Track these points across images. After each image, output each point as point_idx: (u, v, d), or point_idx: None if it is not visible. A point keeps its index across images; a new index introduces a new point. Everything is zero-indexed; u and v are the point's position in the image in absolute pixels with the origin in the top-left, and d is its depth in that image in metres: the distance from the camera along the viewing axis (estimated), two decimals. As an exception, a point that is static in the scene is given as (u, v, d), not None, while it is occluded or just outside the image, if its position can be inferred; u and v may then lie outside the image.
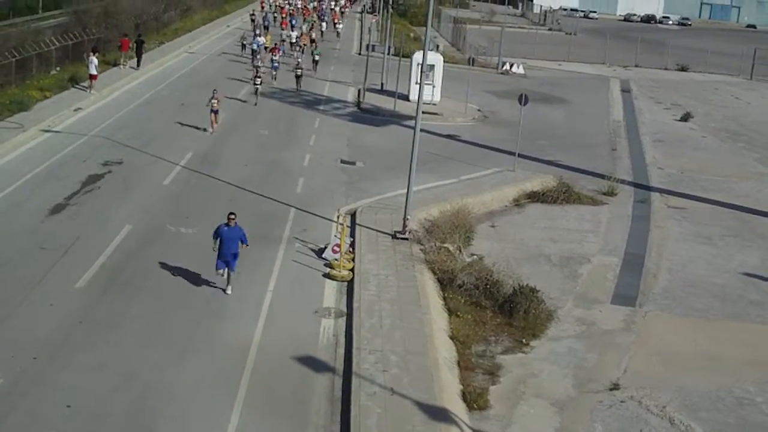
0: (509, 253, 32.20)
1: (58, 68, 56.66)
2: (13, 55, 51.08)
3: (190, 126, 46.29)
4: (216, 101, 45.34)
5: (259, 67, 60.11)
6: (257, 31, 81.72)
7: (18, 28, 63.65)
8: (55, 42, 58.04)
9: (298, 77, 61.34)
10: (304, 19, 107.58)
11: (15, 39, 56.12)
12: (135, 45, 64.28)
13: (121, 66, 63.06)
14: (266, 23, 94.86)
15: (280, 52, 69.38)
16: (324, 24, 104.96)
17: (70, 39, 60.30)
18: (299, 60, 64.14)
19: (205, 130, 45.83)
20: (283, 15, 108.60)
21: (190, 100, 52.85)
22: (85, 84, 52.97)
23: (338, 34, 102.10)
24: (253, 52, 69.52)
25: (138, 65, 63.66)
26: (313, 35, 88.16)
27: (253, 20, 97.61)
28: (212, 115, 45.28)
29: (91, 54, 53.86)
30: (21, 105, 45.79)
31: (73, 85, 53.37)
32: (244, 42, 77.63)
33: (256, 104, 54.22)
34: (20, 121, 43.48)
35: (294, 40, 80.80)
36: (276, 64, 63.83)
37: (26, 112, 45.35)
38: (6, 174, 36.00)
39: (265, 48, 73.02)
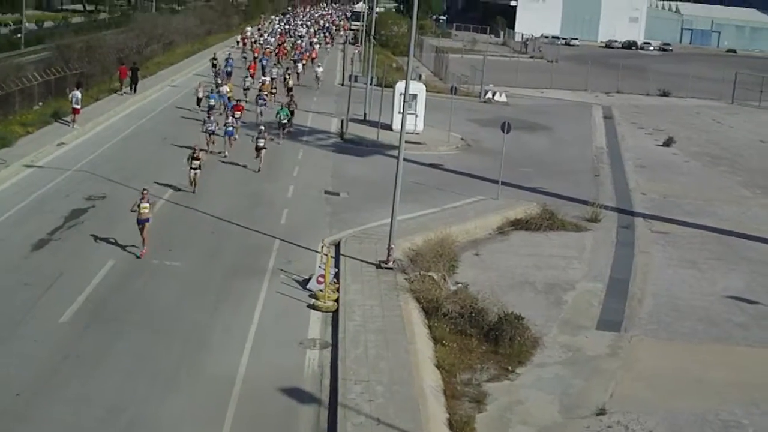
0: (494, 280, 32.23)
1: (40, 103, 56.57)
2: (-4, 90, 51.06)
3: (173, 159, 46.12)
4: (147, 205, 31.52)
5: (214, 131, 48.34)
6: (219, 80, 69.32)
7: (0, 63, 63.65)
8: (38, 77, 57.97)
9: (259, 149, 45.46)
10: (278, 61, 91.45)
11: (-3, 74, 56.13)
12: (131, 73, 67.82)
13: (120, 92, 66.60)
14: (229, 67, 78.58)
15: (243, 111, 54.42)
16: (301, 65, 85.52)
17: (53, 74, 60.24)
18: (261, 126, 48.69)
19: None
20: (255, 55, 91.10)
21: (172, 134, 52.78)
22: (68, 119, 52.93)
23: (318, 78, 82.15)
24: (210, 108, 55.68)
25: (134, 91, 67.32)
26: (290, 82, 71.28)
27: (214, 65, 78.99)
28: (140, 226, 31.34)
29: (75, 88, 53.92)
30: (4, 141, 45.69)
31: (56, 120, 53.31)
32: (198, 95, 61.32)
33: (194, 192, 39.86)
34: (3, 156, 43.37)
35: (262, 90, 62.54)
36: (231, 130, 48.68)
37: (9, 147, 45.25)
38: (-11, 210, 35.94)
39: (229, 100, 57.91)
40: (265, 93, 61.59)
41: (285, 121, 54.55)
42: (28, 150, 45.47)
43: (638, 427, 22.09)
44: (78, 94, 52.90)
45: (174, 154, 46.17)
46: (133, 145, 50.41)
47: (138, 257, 30.95)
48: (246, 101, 61.69)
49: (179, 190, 40.17)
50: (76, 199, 38.07)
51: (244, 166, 45.83)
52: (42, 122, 52.26)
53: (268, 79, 69.17)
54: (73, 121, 52.51)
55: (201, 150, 41.00)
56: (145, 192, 31.88)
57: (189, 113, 60.43)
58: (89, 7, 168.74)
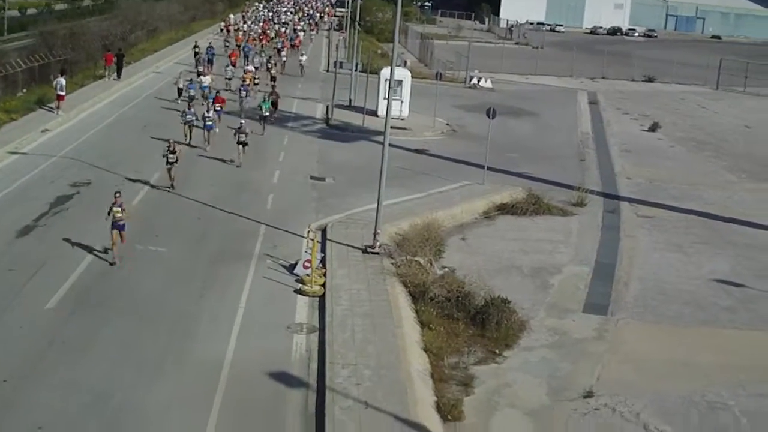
0: (480, 265, 32.24)
1: (24, 90, 56.32)
2: (-21, 77, 50.82)
3: (158, 145, 45.84)
4: (120, 209, 29.27)
5: (193, 122, 46.69)
6: (200, 68, 67.80)
7: (-17, 50, 63.37)
8: (21, 64, 57.71)
9: (241, 144, 43.67)
10: (261, 49, 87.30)
11: (-20, 62, 55.92)
12: (116, 59, 68.40)
13: (106, 78, 66.79)
14: (210, 55, 75.77)
15: (224, 103, 52.87)
16: (284, 56, 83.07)
17: (37, 61, 59.98)
18: (242, 120, 46.35)
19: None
20: (238, 43, 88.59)
21: (155, 121, 52.61)
22: (53, 105, 52.72)
23: (302, 68, 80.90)
24: (191, 99, 54.64)
25: (119, 77, 67.95)
26: (273, 71, 70.32)
27: (196, 53, 77.37)
28: (114, 232, 29.09)
29: (59, 75, 53.74)
30: (-12, 127, 45.57)
31: (40, 107, 53.10)
32: (179, 85, 59.95)
33: (173, 187, 38.43)
34: (-14, 143, 43.27)
35: (243, 80, 61.11)
36: (210, 124, 46.35)
37: (-7, 134, 45.14)
38: (-27, 197, 35.81)
39: (209, 92, 55.89)
40: (248, 83, 59.91)
41: (266, 114, 52.37)
42: (13, 137, 45.28)
43: (625, 410, 22.15)
44: (62, 80, 52.79)
45: (157, 142, 45.77)
46: (117, 132, 50.21)
47: (111, 264, 29.00)
48: (229, 90, 61.59)
49: (156, 187, 38.68)
50: (61, 186, 37.92)
51: (226, 161, 44.23)
52: (26, 109, 52.03)
53: (251, 68, 67.46)
54: (58, 107, 52.35)
55: (177, 143, 39.75)
56: (117, 196, 29.50)
57: (170, 104, 58.79)
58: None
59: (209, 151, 45.62)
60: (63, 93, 52.61)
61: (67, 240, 30.86)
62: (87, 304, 25.87)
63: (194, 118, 46.89)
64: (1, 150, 42.55)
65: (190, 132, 46.61)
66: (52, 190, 37.28)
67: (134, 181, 38.95)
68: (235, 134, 43.73)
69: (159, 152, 39.36)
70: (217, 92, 54.50)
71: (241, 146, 43.42)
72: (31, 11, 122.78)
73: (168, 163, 37.86)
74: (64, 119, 51.60)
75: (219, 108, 50.46)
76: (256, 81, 64.90)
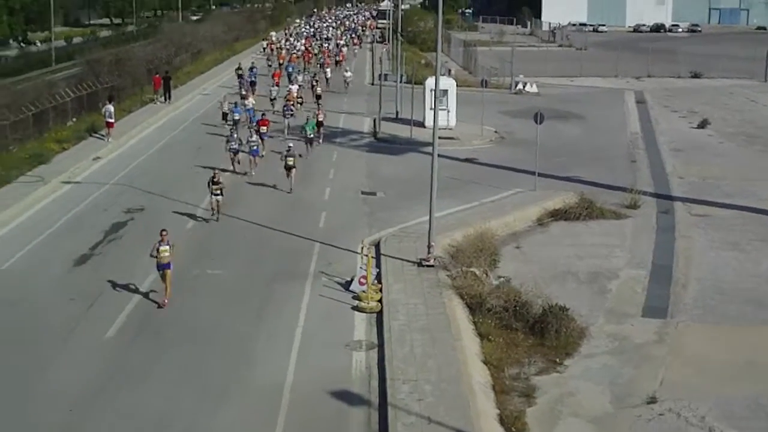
0: (536, 273, 32.09)
1: (74, 119, 57.02)
2: (30, 109, 51.47)
3: (208, 168, 45.90)
4: (167, 248, 27.99)
5: (238, 150, 45.51)
6: (243, 91, 65.95)
7: (33, 81, 64.23)
8: (70, 93, 58.44)
9: (289, 168, 42.06)
10: (305, 67, 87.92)
11: (31, 93, 56.71)
12: (164, 82, 69.33)
13: (156, 102, 67.98)
14: (252, 77, 75.26)
15: (269, 126, 51.19)
16: (329, 71, 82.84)
17: (85, 89, 60.73)
18: (290, 143, 44.07)
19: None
20: (280, 61, 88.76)
21: (206, 143, 52.95)
22: (102, 133, 53.29)
23: (346, 83, 79.86)
24: (235, 123, 53.62)
25: (168, 100, 68.77)
26: (318, 90, 67.90)
27: (240, 76, 76.64)
28: (160, 272, 28.15)
29: (107, 102, 54.34)
30: (40, 158, 46.16)
31: (90, 135, 53.71)
32: (224, 109, 59.42)
33: (217, 219, 37.13)
34: (41, 174, 43.78)
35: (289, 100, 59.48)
36: (256, 148, 45.64)
37: (46, 164, 45.67)
38: (30, 227, 36.25)
39: (252, 115, 56.10)
40: (292, 103, 58.57)
41: (311, 136, 50.23)
42: (65, 166, 45.83)
43: (690, 414, 21.92)
44: (110, 107, 53.40)
45: (209, 163, 45.87)
46: (168, 157, 50.63)
47: (159, 306, 27.86)
48: (273, 111, 61.22)
49: (199, 218, 37.77)
50: (115, 213, 38.32)
51: (274, 186, 42.93)
52: (77, 138, 52.69)
53: (294, 88, 66.13)
54: (108, 134, 52.94)
55: (223, 171, 39.45)
56: (164, 233, 28.16)
57: (215, 129, 57.65)
58: (116, 21, 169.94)
59: (254, 176, 44.69)
60: (112, 120, 53.19)
61: (123, 267, 31.14)
62: (146, 332, 26.10)
63: (238, 144, 45.65)
64: (54, 180, 43.06)
65: (236, 158, 45.55)
66: (106, 217, 37.67)
67: (186, 203, 39.19)
68: (282, 158, 42.32)
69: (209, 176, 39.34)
70: (262, 114, 53.50)
71: (289, 171, 41.96)
72: (76, 40, 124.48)
73: (213, 194, 36.75)
74: (115, 146, 52.15)
75: (264, 131, 49.56)
76: (300, 100, 63.57)
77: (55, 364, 23.92)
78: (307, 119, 51.71)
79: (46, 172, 44.16)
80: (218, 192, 36.62)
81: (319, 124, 53.54)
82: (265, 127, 49.98)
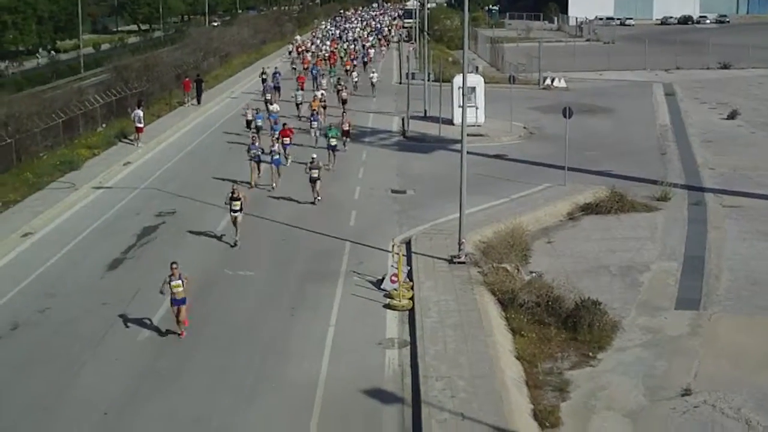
0: (568, 267, 32.03)
1: (104, 125, 57.40)
2: (60, 116, 51.88)
3: (239, 173, 46.08)
4: (180, 282, 25.76)
5: (260, 158, 43.23)
6: (268, 96, 65.78)
7: (62, 89, 64.70)
8: (99, 99, 58.86)
9: (313, 180, 40.16)
10: (330, 70, 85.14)
11: (60, 100, 57.19)
12: (195, 84, 70.28)
13: (186, 104, 68.98)
14: (276, 82, 72.74)
15: (292, 136, 48.37)
16: (355, 74, 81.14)
17: (113, 95, 61.15)
18: (314, 154, 41.38)
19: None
20: (305, 65, 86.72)
21: (236, 145, 53.11)
22: (132, 138, 53.58)
23: (373, 86, 77.58)
24: (257, 129, 53.22)
25: (198, 102, 69.64)
26: (344, 94, 65.11)
27: (264, 80, 74.39)
28: (174, 308, 25.90)
29: (136, 107, 54.65)
30: (71, 164, 46.46)
31: (120, 140, 54.02)
32: (247, 117, 57.39)
33: (236, 244, 34.45)
34: (72, 180, 44.06)
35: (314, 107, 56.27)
36: (278, 158, 43.48)
37: (77, 170, 45.95)
38: (63, 233, 36.50)
39: (276, 120, 55.15)
40: (316, 110, 55.63)
41: (335, 143, 47.54)
42: (96, 172, 46.10)
43: (725, 405, 21.81)
44: (140, 112, 53.66)
45: (239, 167, 46.00)
46: (197, 160, 50.81)
47: (179, 337, 26.08)
48: (300, 117, 60.61)
49: (217, 237, 35.71)
50: (147, 217, 38.51)
51: (297, 201, 40.85)
52: (107, 143, 53.00)
53: (318, 94, 62.87)
54: (137, 139, 53.21)
55: (242, 183, 39.10)
56: (174, 267, 25.90)
57: (238, 137, 55.44)
58: (143, 27, 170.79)
59: (276, 189, 42.74)
60: (141, 125, 53.48)
61: (155, 270, 31.21)
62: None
63: (260, 152, 43.47)
64: (86, 186, 43.33)
65: (258, 168, 43.35)
66: (138, 221, 37.87)
67: (216, 206, 39.23)
68: (306, 170, 40.47)
69: (240, 175, 39.27)
70: (284, 124, 50.33)
71: (314, 183, 40.10)
72: (105, 47, 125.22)
73: (232, 211, 34.47)
74: (144, 151, 52.42)
75: (287, 141, 46.98)
76: (324, 104, 60.19)
77: (88, 368, 24.11)
78: (330, 125, 49.94)
79: (77, 178, 44.44)
80: (237, 208, 34.32)
81: (345, 133, 51.71)
82: (288, 138, 47.28)
